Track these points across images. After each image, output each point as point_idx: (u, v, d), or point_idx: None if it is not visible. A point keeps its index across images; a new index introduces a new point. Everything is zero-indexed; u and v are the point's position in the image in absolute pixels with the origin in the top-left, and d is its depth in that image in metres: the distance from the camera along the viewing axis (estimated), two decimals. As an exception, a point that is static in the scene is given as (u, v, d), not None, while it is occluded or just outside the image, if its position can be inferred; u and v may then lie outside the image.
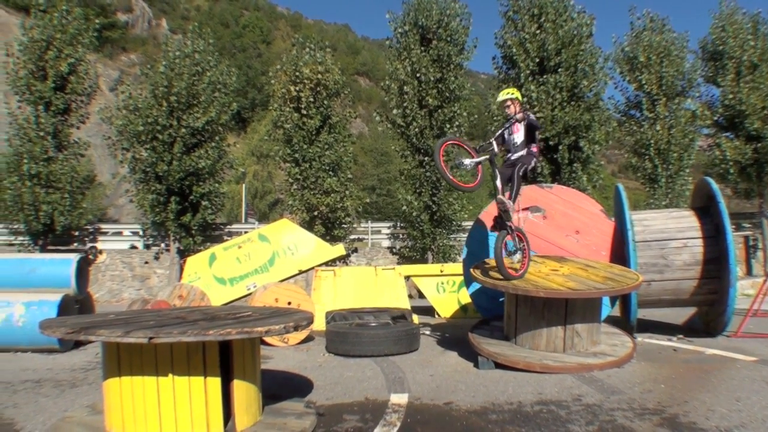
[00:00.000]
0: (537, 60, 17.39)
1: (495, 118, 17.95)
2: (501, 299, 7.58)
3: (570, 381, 5.77)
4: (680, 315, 10.13)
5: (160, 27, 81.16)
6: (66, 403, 5.37)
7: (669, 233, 8.41)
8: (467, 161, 6.83)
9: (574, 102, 16.98)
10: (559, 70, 17.02)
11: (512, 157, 7.24)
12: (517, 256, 6.93)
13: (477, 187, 7.24)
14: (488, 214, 8.43)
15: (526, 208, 8.16)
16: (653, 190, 18.74)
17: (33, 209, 18.54)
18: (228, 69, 19.93)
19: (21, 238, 19.64)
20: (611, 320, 8.12)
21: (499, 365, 6.35)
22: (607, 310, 7.86)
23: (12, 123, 19.23)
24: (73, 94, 19.61)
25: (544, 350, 6.52)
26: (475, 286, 8.19)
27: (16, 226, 19.45)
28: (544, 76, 17.16)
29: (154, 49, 55.19)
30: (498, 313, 7.80)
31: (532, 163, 7.22)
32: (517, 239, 6.96)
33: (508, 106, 7.31)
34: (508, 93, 7.32)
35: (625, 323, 8.37)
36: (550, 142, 16.89)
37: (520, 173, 7.06)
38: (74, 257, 9.17)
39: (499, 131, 7.34)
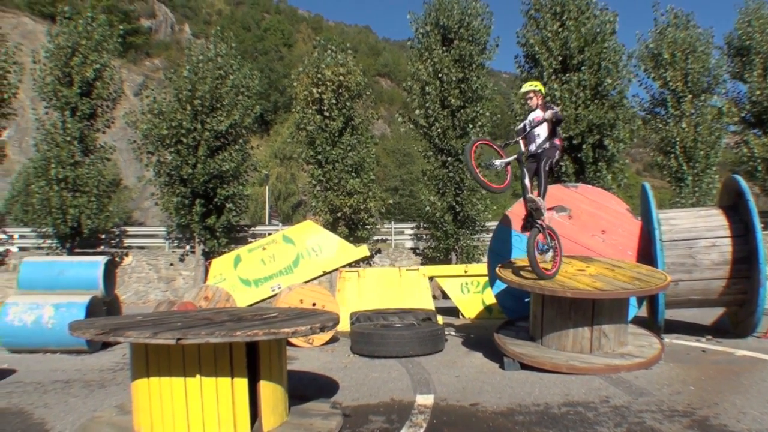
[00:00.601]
0: (560, 58, 17.27)
1: (517, 117, 17.84)
2: (526, 299, 7.53)
3: (597, 382, 5.71)
4: (708, 315, 9.98)
5: (183, 32, 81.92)
6: (95, 404, 5.44)
7: (697, 232, 8.29)
8: (497, 162, 6.82)
9: (598, 100, 16.82)
10: (583, 68, 16.88)
11: (536, 151, 7.12)
12: (549, 254, 6.87)
13: (507, 188, 7.17)
14: (513, 213, 8.38)
15: (551, 208, 8.08)
16: (679, 189, 18.49)
17: (61, 213, 18.85)
18: (250, 72, 20.07)
19: (49, 241, 20.00)
20: (638, 321, 8.02)
21: (525, 366, 6.31)
22: (634, 310, 7.76)
23: (39, 128, 19.61)
24: (99, 99, 19.92)
25: (570, 351, 6.46)
26: (500, 286, 8.14)
27: (44, 230, 19.80)
28: (567, 75, 17.04)
29: (178, 53, 55.77)
30: (523, 314, 7.74)
31: (557, 156, 7.12)
32: (548, 237, 6.91)
33: (531, 98, 7.25)
34: (531, 85, 7.28)
35: (652, 324, 8.27)
36: (574, 141, 16.75)
37: (546, 167, 6.95)
38: (101, 260, 9.29)
39: (521, 123, 7.31)
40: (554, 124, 7.08)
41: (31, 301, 8.57)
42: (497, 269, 7.27)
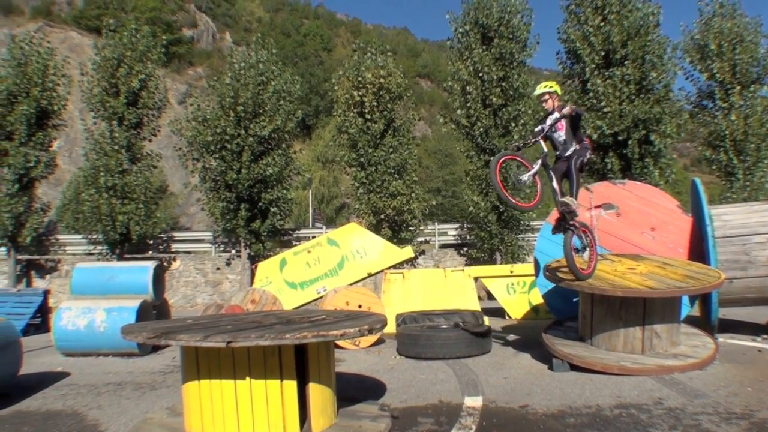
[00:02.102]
0: (602, 53, 16.93)
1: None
2: (575, 299, 7.41)
3: (650, 384, 5.59)
4: (763, 314, 9.67)
5: (224, 40, 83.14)
6: (147, 405, 5.55)
7: (751, 228, 8.03)
8: (524, 177, 6.38)
9: (643, 95, 16.45)
10: (626, 62, 16.52)
11: (565, 154, 6.74)
12: (586, 254, 6.65)
13: (538, 204, 6.85)
14: (559, 212, 8.26)
15: (599, 206, 7.95)
16: (730, 184, 17.95)
17: (110, 220, 19.32)
18: (292, 77, 20.25)
19: (99, 247, 20.54)
20: (690, 320, 7.82)
21: (574, 367, 6.20)
22: (686, 309, 7.57)
23: (88, 138, 20.18)
24: (145, 108, 20.38)
25: (621, 351, 6.33)
26: (548, 286, 8.02)
27: (94, 236, 20.37)
28: (611, 70, 16.70)
29: (219, 61, 56.71)
30: (571, 314, 7.62)
31: (587, 155, 6.77)
32: (583, 236, 6.68)
33: (546, 100, 6.84)
34: (546, 86, 6.89)
35: (705, 323, 8.05)
36: (619, 137, 16.44)
37: (577, 165, 6.63)
38: (150, 265, 9.48)
39: (539, 127, 6.88)
40: (574, 120, 6.74)
41: (84, 306, 8.79)
42: (544, 269, 7.17)
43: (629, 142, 16.37)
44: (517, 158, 6.70)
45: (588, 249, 6.67)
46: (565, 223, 6.65)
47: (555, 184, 6.62)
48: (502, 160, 6.46)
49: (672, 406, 4.83)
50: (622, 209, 8.21)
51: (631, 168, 16.58)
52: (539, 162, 6.47)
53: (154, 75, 20.80)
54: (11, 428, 4.94)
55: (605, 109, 16.36)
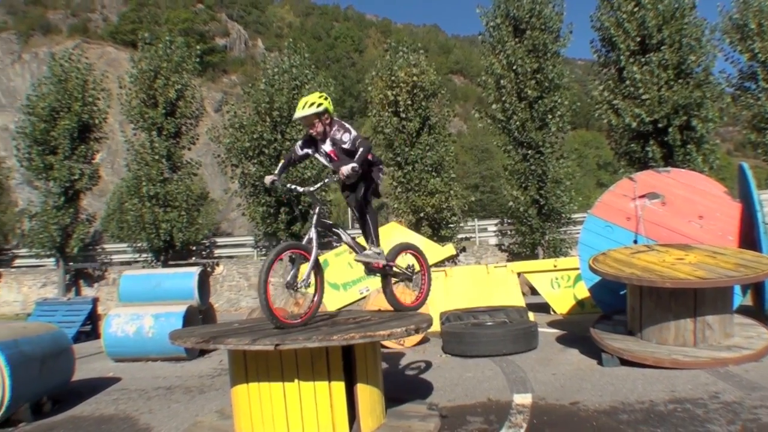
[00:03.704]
0: (638, 39, 16.55)
1: (597, 105, 17.29)
2: (622, 292, 7.27)
3: (704, 377, 5.44)
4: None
5: (256, 47, 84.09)
6: (196, 409, 5.62)
7: (804, 212, 7.78)
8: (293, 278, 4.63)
9: (682, 79, 16.05)
10: (663, 47, 16.12)
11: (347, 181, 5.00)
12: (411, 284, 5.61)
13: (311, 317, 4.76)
14: (603, 203, 8.13)
15: (643, 195, 7.78)
16: (777, 167, 17.43)
17: (154, 228, 19.69)
18: (325, 80, 20.32)
19: (144, 255, 20.96)
20: (742, 310, 7.60)
21: (624, 362, 6.08)
22: (738, 299, 7.35)
23: (129, 149, 20.62)
24: (182, 117, 20.72)
25: (672, 345, 6.18)
26: (593, 279, 7.87)
27: (139, 244, 20.80)
28: (647, 56, 16.32)
29: (253, 68, 57.28)
30: (619, 307, 7.47)
31: (381, 178, 5.28)
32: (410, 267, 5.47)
33: (313, 125, 4.92)
34: (312, 104, 4.86)
35: (758, 313, 7.81)
36: (660, 124, 16.08)
37: (368, 197, 5.19)
38: (195, 271, 9.61)
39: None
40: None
41: (132, 313, 8.96)
42: (590, 262, 7.04)
43: (670, 129, 16.00)
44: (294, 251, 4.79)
45: (415, 281, 5.53)
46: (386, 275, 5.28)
47: (345, 237, 5.27)
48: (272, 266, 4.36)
49: (728, 400, 4.70)
50: (668, 198, 8.02)
51: (673, 155, 16.21)
52: (313, 234, 4.75)
53: (190, 85, 21.15)
54: (67, 434, 5.06)
55: (643, 96, 16.02)
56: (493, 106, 18.03)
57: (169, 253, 20.61)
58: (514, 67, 17.50)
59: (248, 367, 4.10)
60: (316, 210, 4.79)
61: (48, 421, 5.53)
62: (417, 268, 5.51)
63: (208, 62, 60.80)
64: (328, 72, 40.67)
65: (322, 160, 5.13)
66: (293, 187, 5.07)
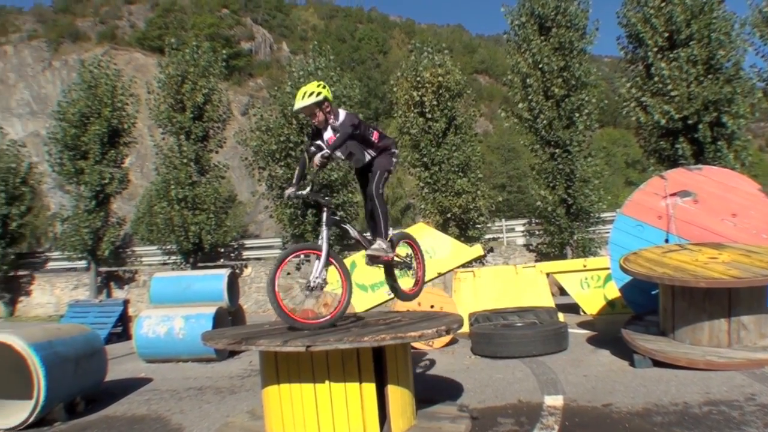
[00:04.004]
0: (665, 35, 16.29)
1: (624, 103, 17.06)
2: (653, 292, 7.17)
3: (739, 379, 5.35)
4: None
5: (281, 50, 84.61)
6: (227, 409, 5.67)
7: (842, 209, 7.60)
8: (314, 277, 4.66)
9: (712, 75, 15.75)
10: (691, 42, 15.84)
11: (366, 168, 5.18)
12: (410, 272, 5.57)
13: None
14: (633, 202, 8.02)
15: (675, 194, 7.67)
16: (813, 163, 17.02)
17: (183, 230, 19.91)
18: (350, 82, 20.37)
19: (173, 257, 21.21)
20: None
21: (657, 363, 6.00)
22: (773, 298, 7.21)
23: (158, 153, 20.90)
24: (210, 121, 20.92)
25: (706, 345, 6.08)
26: (624, 279, 7.78)
27: (168, 247, 21.07)
28: (675, 51, 16.05)
29: (278, 71, 57.66)
30: (650, 308, 7.37)
31: (394, 162, 5.23)
32: (406, 260, 5.50)
33: (314, 114, 4.89)
34: (311, 94, 4.80)
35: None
36: (689, 121, 15.81)
37: (380, 188, 5.05)
38: (225, 272, 9.69)
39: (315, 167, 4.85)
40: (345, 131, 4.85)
41: (163, 314, 9.06)
42: (621, 261, 6.95)
43: (700, 126, 15.72)
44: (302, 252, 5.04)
45: (413, 268, 5.53)
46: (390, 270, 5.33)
47: (353, 232, 5.17)
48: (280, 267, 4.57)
49: (765, 402, 4.62)
50: (700, 196, 7.89)
51: (704, 152, 15.92)
52: (324, 233, 4.74)
53: (217, 89, 21.34)
54: (100, 433, 5.14)
55: (672, 93, 15.77)
56: (520, 105, 17.91)
57: (197, 255, 20.83)
58: (540, 66, 17.36)
59: (279, 368, 4.12)
60: (326, 209, 4.78)
61: (82, 420, 5.62)
62: (413, 256, 5.56)
63: (234, 66, 61.26)
64: (353, 74, 40.81)
65: (325, 148, 4.93)
66: (299, 193, 4.89)
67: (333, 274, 4.78)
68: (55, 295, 23.19)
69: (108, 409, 6.04)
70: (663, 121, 15.85)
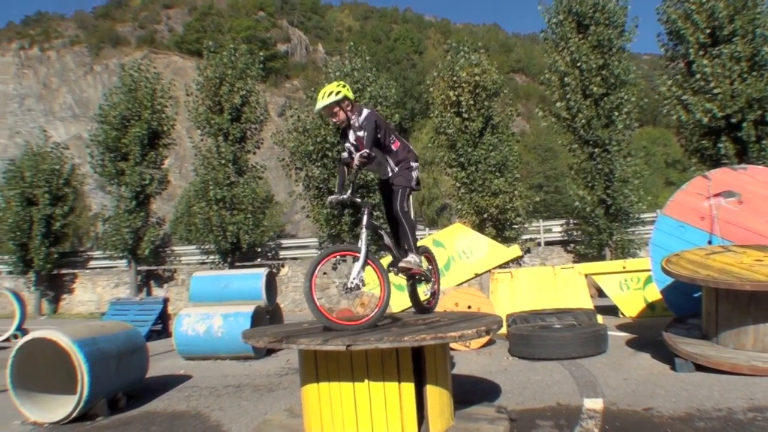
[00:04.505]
0: (707, 31, 15.92)
1: (665, 101, 16.74)
2: (696, 295, 7.03)
3: (785, 384, 5.20)
4: None
5: (317, 52, 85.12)
6: (265, 407, 5.71)
7: None
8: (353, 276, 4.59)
9: (756, 72, 15.32)
10: (735, 39, 15.45)
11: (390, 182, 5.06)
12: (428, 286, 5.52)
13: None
14: (676, 202, 7.87)
15: (718, 194, 7.50)
16: None
17: (221, 230, 20.21)
18: (386, 82, 20.41)
19: (212, 256, 21.50)
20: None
21: (699, 367, 5.86)
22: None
23: (197, 155, 21.27)
24: (247, 123, 21.22)
25: (751, 350, 5.92)
26: (666, 281, 7.63)
27: (207, 246, 21.36)
28: (718, 48, 15.67)
29: (314, 72, 58.04)
30: (692, 311, 7.23)
31: (414, 177, 5.05)
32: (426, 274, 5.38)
33: (336, 114, 4.85)
34: (330, 93, 4.78)
35: None
36: (732, 120, 15.45)
37: (404, 206, 4.94)
38: (263, 272, 9.78)
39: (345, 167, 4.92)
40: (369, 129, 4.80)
41: (202, 313, 9.18)
42: (663, 263, 6.82)
43: (744, 125, 15.34)
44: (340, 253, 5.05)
45: (431, 280, 5.46)
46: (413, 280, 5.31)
47: (386, 240, 5.12)
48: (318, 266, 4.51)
49: (813, 408, 4.48)
50: (744, 196, 7.70)
51: (748, 152, 15.52)
52: (363, 234, 4.68)
53: (255, 90, 21.62)
54: (141, 428, 5.23)
55: (715, 91, 15.41)
56: (558, 104, 17.75)
57: (235, 254, 21.10)
58: (579, 64, 17.17)
59: (319, 367, 4.14)
60: (365, 211, 4.71)
61: (123, 416, 5.72)
62: (430, 268, 5.51)
63: (271, 68, 61.72)
64: (389, 74, 40.82)
65: (352, 150, 4.89)
66: (340, 198, 4.84)
67: (370, 274, 4.79)
68: (97, 293, 23.75)
69: (149, 404, 6.14)
70: (705, 120, 15.51)
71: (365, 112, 4.81)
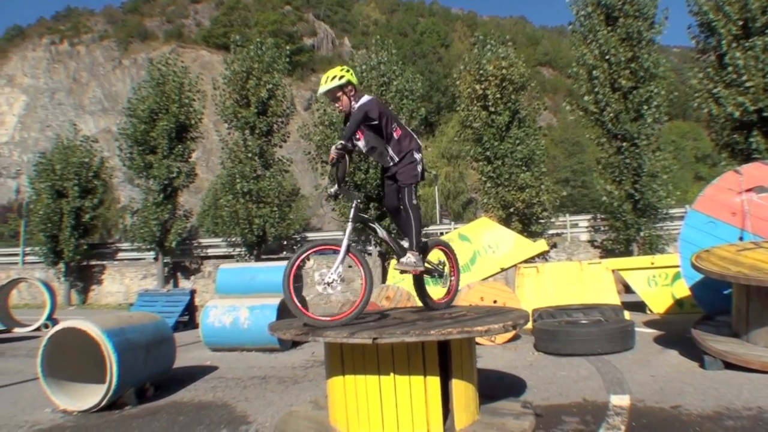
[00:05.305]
0: (740, 23, 15.57)
1: (696, 94, 16.44)
2: (725, 291, 6.91)
3: (817, 384, 5.11)
4: None
5: (343, 45, 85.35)
6: (291, 399, 5.74)
7: None
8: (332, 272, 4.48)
9: (790, 65, 15.04)
10: None
11: (388, 173, 4.89)
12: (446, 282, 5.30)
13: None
14: (706, 197, 7.75)
15: (750, 189, 7.36)
16: None
17: (247, 223, 20.37)
18: (413, 76, 20.36)
19: (238, 249, 21.68)
20: None
21: (728, 365, 5.77)
22: None
23: (224, 148, 21.45)
24: (274, 116, 21.33)
25: (782, 348, 5.82)
26: (695, 277, 7.52)
27: (233, 239, 21.54)
28: (751, 40, 15.30)
29: (341, 66, 58.01)
30: (721, 307, 7.11)
31: (419, 171, 4.84)
32: (439, 267, 5.18)
33: (338, 99, 4.76)
34: (333, 78, 4.71)
35: None
36: (765, 113, 15.14)
37: (413, 200, 4.75)
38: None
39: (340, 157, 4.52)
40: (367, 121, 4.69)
41: (229, 304, 9.25)
42: (692, 259, 6.72)
43: (777, 119, 15.05)
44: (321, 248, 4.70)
45: (446, 276, 5.24)
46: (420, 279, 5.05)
47: (384, 235, 4.86)
48: (296, 263, 4.53)
49: None
50: (777, 192, 7.55)
51: (780, 147, 15.24)
52: (348, 228, 4.56)
53: (281, 84, 21.72)
54: (168, 417, 5.28)
55: (747, 84, 15.08)
56: (585, 98, 17.58)
57: (261, 247, 21.25)
58: (607, 57, 16.98)
59: (345, 360, 4.15)
60: (353, 204, 4.59)
61: (151, 405, 5.79)
62: (447, 263, 5.28)
63: (297, 62, 62.01)
64: (415, 67, 40.74)
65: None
66: (330, 191, 4.79)
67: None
68: (125, 284, 24.09)
69: (176, 395, 6.21)
70: (737, 114, 15.21)
71: (362, 99, 4.69)
